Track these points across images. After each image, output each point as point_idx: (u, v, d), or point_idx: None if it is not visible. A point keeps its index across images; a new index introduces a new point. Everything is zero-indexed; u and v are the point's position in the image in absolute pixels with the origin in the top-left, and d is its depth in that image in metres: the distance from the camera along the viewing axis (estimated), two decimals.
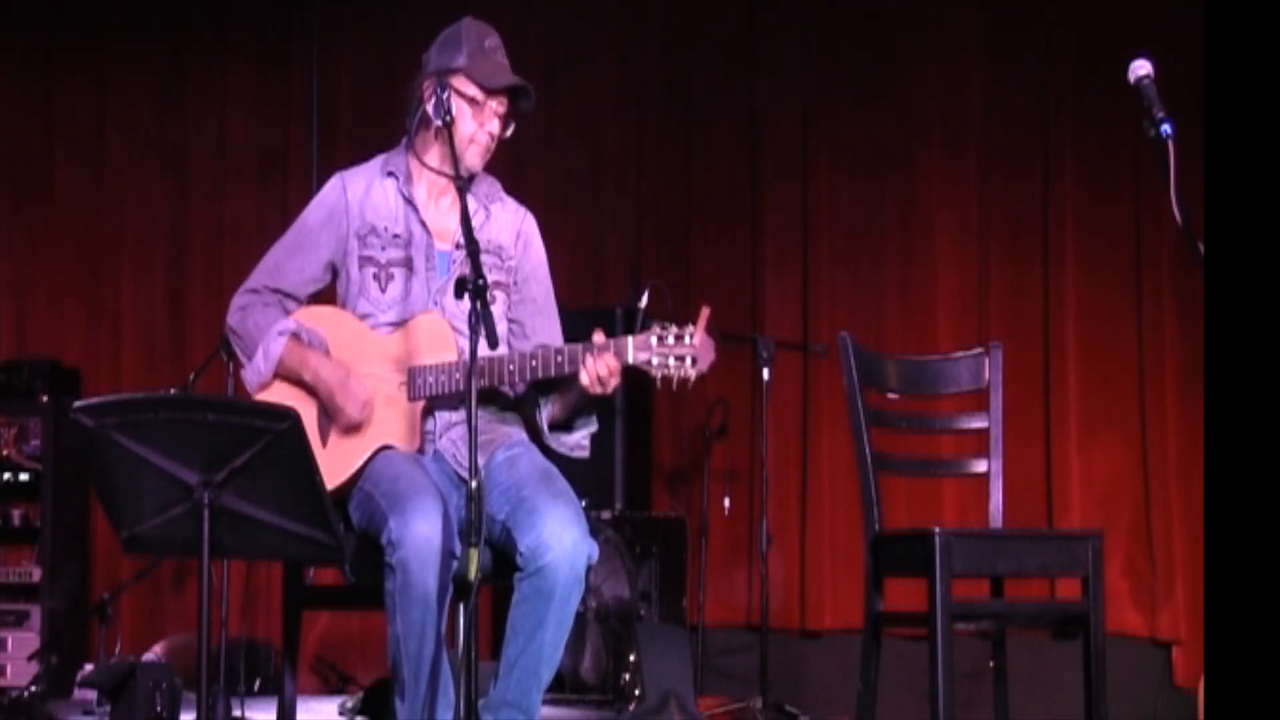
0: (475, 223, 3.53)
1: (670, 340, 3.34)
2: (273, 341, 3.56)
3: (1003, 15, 6.24)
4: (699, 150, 6.61)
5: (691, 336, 3.33)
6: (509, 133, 3.66)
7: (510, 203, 3.77)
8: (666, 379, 3.34)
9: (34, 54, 7.14)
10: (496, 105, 3.61)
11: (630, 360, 3.36)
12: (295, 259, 3.67)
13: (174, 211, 7.01)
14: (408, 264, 3.61)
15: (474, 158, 3.60)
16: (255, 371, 3.59)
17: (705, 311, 3.37)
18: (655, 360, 3.34)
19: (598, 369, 3.37)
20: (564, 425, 3.61)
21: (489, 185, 3.74)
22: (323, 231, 3.66)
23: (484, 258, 3.43)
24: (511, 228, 3.73)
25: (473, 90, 3.58)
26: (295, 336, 3.56)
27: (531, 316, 3.73)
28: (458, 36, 3.62)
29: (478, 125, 3.59)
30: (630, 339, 3.36)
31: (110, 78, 7.10)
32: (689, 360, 3.33)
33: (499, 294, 3.64)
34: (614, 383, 3.39)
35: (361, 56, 6.80)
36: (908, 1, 6.36)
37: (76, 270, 7.04)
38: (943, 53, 6.30)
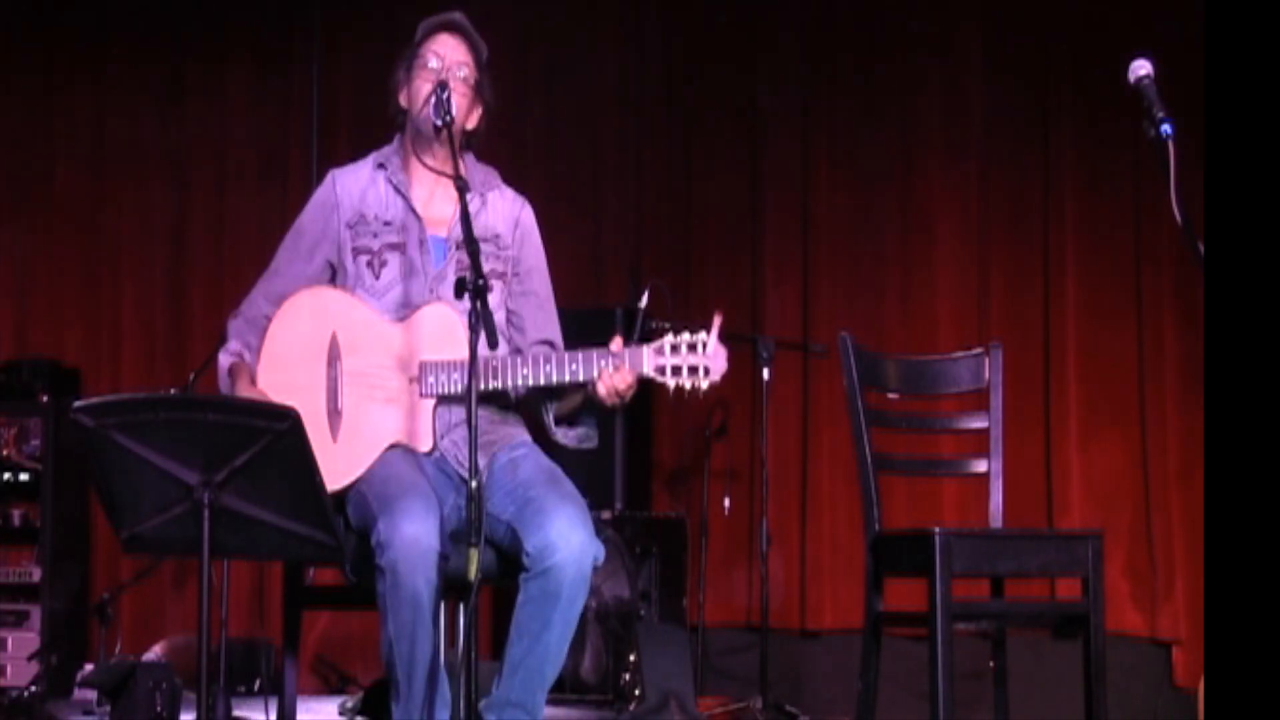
0: (470, 209, 3.53)
1: (684, 350, 3.34)
2: (221, 356, 3.66)
3: (1002, 16, 6.24)
4: (699, 150, 6.61)
5: (705, 347, 3.33)
6: (475, 109, 3.66)
7: (508, 192, 3.77)
8: (679, 389, 3.33)
9: (34, 54, 7.14)
10: (452, 62, 3.60)
11: (645, 371, 3.35)
12: (295, 264, 3.69)
13: (174, 211, 7.00)
14: (401, 249, 3.61)
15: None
16: (220, 383, 3.67)
17: (718, 319, 3.36)
18: (669, 370, 3.34)
19: (616, 384, 3.37)
20: (567, 421, 3.61)
21: (485, 174, 3.74)
22: (316, 230, 3.68)
23: (480, 246, 3.44)
24: (509, 216, 3.73)
25: (418, 55, 3.62)
26: (240, 359, 3.64)
27: (533, 311, 3.72)
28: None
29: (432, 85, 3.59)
30: (645, 349, 3.35)
31: (110, 78, 7.09)
32: (702, 371, 3.33)
33: (496, 283, 3.63)
34: (630, 394, 3.40)
35: (361, 56, 6.80)
36: (908, 1, 6.36)
37: (76, 270, 7.03)
38: (942, 52, 6.29)
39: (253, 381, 3.59)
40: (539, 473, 3.45)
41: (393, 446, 3.49)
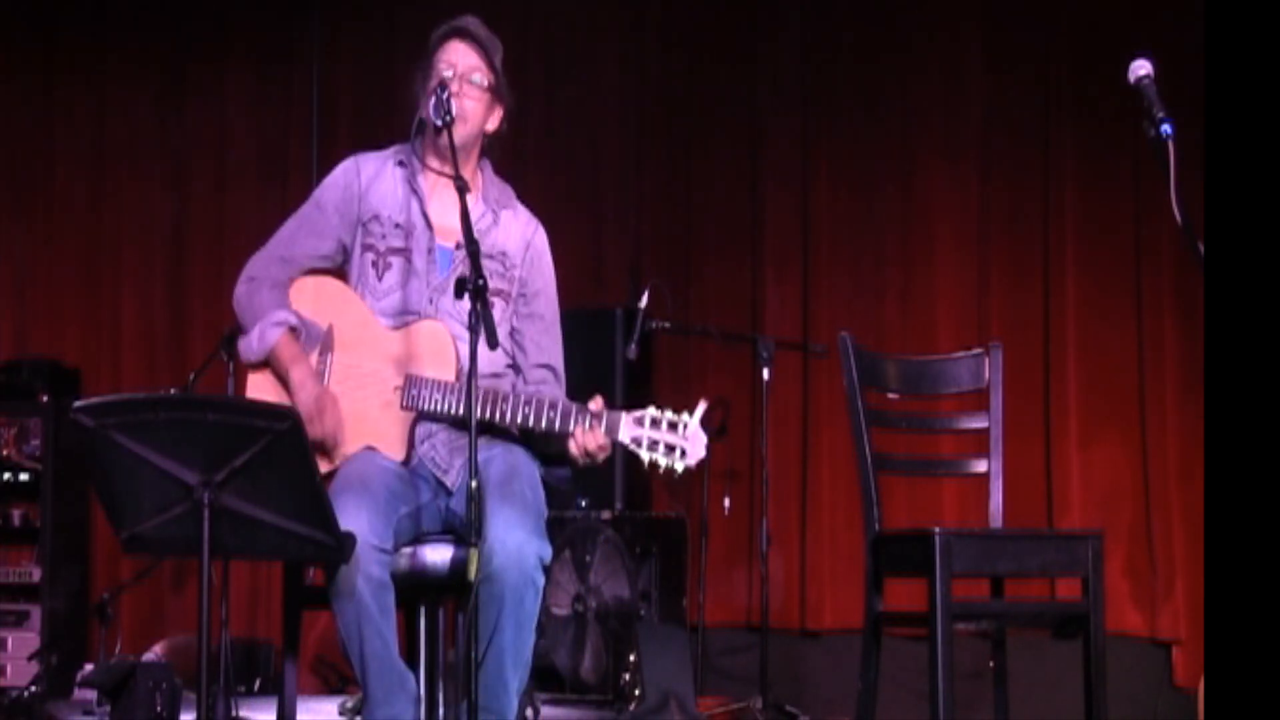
0: (482, 226, 3.54)
1: (664, 426, 3.31)
2: (270, 329, 3.56)
3: (1002, 16, 6.24)
4: (699, 150, 6.61)
5: (686, 428, 3.30)
6: (492, 110, 3.63)
7: (522, 212, 3.75)
8: (653, 464, 3.32)
9: (34, 54, 7.15)
10: (464, 69, 3.58)
11: (620, 439, 3.34)
12: (310, 238, 3.67)
13: (174, 211, 7.01)
14: (406, 254, 3.60)
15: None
16: (248, 348, 3.59)
17: (702, 405, 3.33)
18: (645, 443, 3.32)
19: (586, 443, 3.37)
20: (553, 461, 3.60)
21: (500, 190, 3.73)
22: (336, 212, 3.65)
23: (486, 263, 3.42)
24: (520, 237, 3.71)
25: (431, 66, 3.59)
26: (293, 330, 3.56)
27: (538, 334, 3.71)
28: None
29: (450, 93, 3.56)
30: (624, 416, 3.34)
31: (110, 78, 7.10)
32: (679, 452, 3.31)
33: (498, 301, 3.61)
34: (603, 456, 3.39)
35: (361, 56, 6.81)
36: (908, 1, 6.36)
37: (76, 270, 7.04)
38: (943, 52, 6.29)
39: (314, 355, 3.55)
40: (496, 476, 3.43)
41: (367, 448, 3.49)
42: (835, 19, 6.45)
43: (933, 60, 6.30)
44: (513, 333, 3.69)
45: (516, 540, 3.28)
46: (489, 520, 3.29)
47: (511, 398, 3.43)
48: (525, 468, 3.49)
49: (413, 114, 3.64)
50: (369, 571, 3.25)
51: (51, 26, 7.15)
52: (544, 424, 3.39)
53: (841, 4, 6.45)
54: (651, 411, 3.32)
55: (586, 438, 3.36)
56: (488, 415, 3.42)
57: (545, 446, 3.56)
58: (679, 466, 3.30)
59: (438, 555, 3.44)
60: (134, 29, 7.10)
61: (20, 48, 7.15)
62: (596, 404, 3.37)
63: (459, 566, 3.37)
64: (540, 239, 3.75)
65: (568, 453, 3.42)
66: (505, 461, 3.49)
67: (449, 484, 3.49)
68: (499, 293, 3.62)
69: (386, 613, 3.29)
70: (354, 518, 3.23)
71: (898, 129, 6.32)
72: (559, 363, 3.73)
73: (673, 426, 3.30)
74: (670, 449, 3.30)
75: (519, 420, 3.42)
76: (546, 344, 3.72)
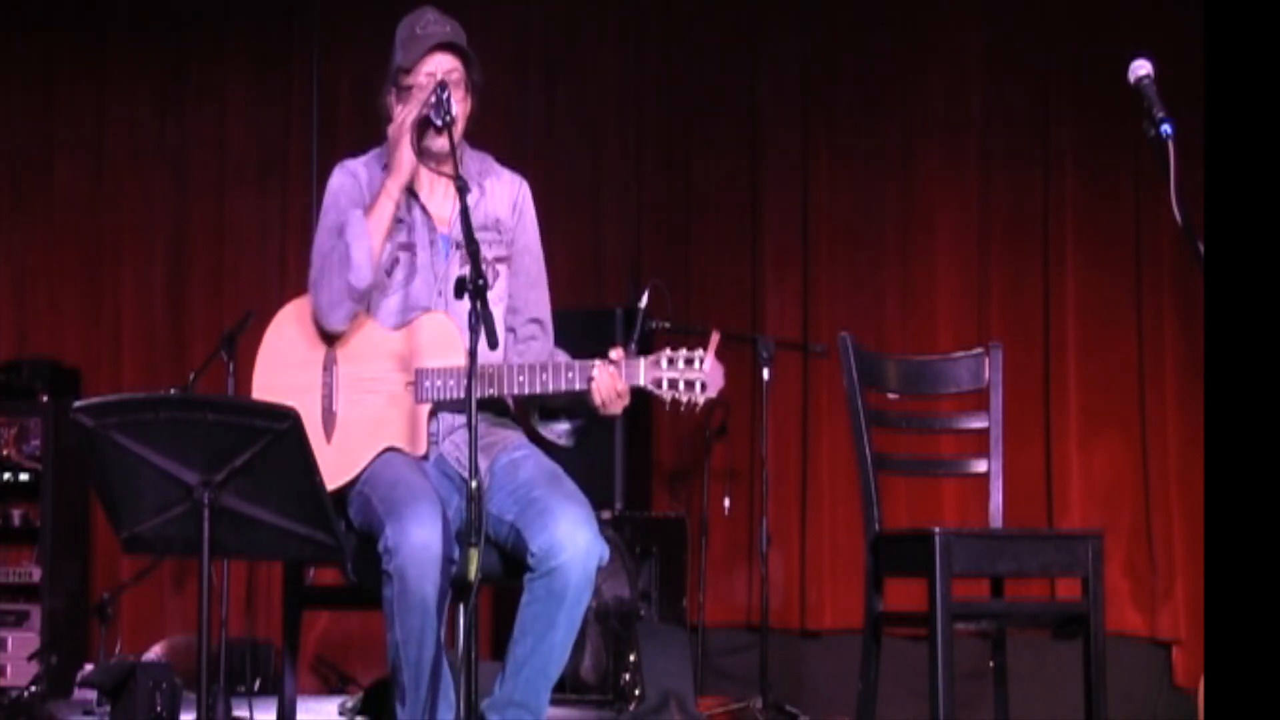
0: (470, 200, 3.51)
1: (680, 364, 3.36)
2: (352, 225, 3.51)
3: (1003, 15, 6.24)
4: (699, 150, 6.61)
5: (702, 362, 3.35)
6: (468, 104, 3.61)
7: (505, 174, 3.76)
8: (675, 402, 3.35)
9: (34, 54, 7.14)
10: (446, 75, 3.55)
11: (640, 382, 3.38)
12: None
13: (174, 211, 7.00)
14: (410, 249, 3.61)
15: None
16: (358, 267, 3.48)
17: (715, 336, 3.40)
18: (665, 383, 3.36)
19: (609, 388, 3.38)
20: (550, 415, 3.61)
21: (481, 161, 3.73)
22: (355, 206, 3.61)
23: (482, 235, 3.46)
24: (508, 199, 3.72)
25: (409, 79, 3.56)
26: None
27: (523, 289, 3.72)
28: (394, 42, 3.63)
29: None
30: (641, 360, 3.38)
31: (110, 78, 7.09)
32: (698, 386, 3.36)
33: (502, 268, 3.64)
34: (623, 404, 3.41)
35: (361, 56, 6.79)
36: (908, 1, 6.36)
37: (76, 270, 7.03)
38: (943, 52, 6.30)
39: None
40: (541, 473, 3.46)
41: (388, 449, 3.49)
42: (835, 19, 6.44)
43: (933, 61, 6.31)
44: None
45: (586, 539, 3.31)
46: (552, 515, 3.31)
47: (527, 368, 3.45)
48: (561, 470, 3.51)
49: (384, 119, 3.62)
50: (437, 581, 3.26)
51: (51, 27, 7.15)
52: (563, 385, 3.42)
53: (842, 4, 6.45)
54: (667, 352, 3.38)
55: (610, 384, 3.38)
56: (507, 391, 3.45)
57: (545, 400, 3.56)
58: (701, 399, 3.36)
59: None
60: (134, 30, 7.09)
61: (20, 48, 7.15)
62: (617, 353, 3.41)
63: (492, 572, 3.38)
64: (524, 195, 3.75)
65: (591, 405, 3.43)
66: (543, 462, 3.51)
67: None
68: (501, 259, 3.65)
69: (442, 620, 3.30)
70: (429, 528, 3.25)
71: (898, 130, 6.32)
72: (546, 316, 3.74)
73: (689, 363, 3.36)
74: (690, 384, 3.36)
75: (538, 389, 3.44)
76: (533, 299, 3.73)
